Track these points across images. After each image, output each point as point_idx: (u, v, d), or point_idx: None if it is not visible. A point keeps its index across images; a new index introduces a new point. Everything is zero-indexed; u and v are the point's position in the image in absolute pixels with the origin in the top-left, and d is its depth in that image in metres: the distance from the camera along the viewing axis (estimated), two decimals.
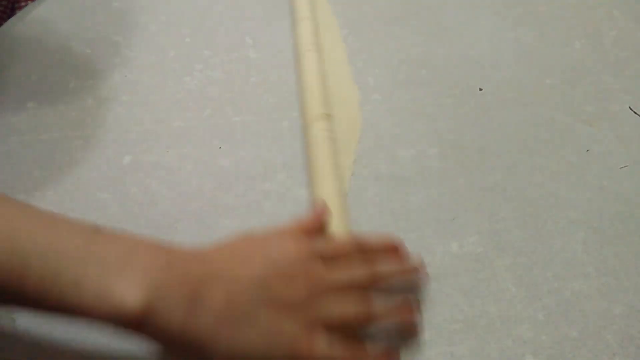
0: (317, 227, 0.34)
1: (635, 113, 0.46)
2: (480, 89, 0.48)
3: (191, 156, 0.43)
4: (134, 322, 0.24)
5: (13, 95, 0.46)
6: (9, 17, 0.53)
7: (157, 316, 0.25)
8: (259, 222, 0.39)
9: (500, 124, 0.45)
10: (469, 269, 0.37)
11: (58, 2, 0.54)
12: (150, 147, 0.43)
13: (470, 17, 0.55)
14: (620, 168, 0.43)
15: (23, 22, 0.52)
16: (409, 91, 0.48)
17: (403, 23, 0.54)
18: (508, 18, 0.55)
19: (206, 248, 0.29)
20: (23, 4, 0.55)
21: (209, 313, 0.26)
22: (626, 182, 0.42)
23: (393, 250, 0.34)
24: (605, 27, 0.54)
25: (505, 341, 0.34)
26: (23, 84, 0.47)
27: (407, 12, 0.55)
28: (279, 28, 0.52)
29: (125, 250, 0.26)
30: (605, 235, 0.39)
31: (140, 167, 0.42)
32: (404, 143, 0.44)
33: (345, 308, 0.30)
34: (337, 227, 0.35)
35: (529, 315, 0.35)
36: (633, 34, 0.53)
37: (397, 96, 0.47)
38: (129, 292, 0.24)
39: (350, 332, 0.30)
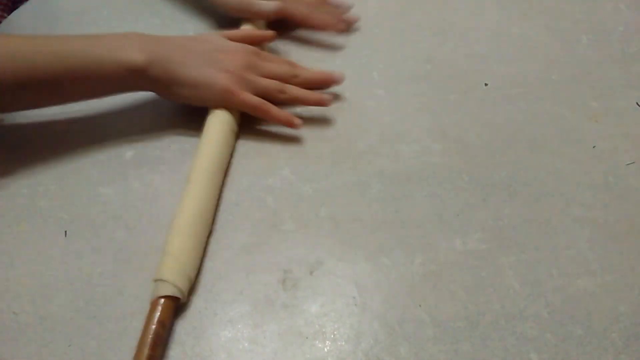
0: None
1: None
2: (486, 84, 0.47)
3: (193, 151, 0.42)
4: (139, 72, 0.40)
5: None
6: (11, 11, 0.53)
7: (154, 67, 0.40)
8: (262, 217, 0.39)
9: (505, 119, 0.45)
10: (472, 266, 0.37)
11: None
12: (152, 142, 0.43)
13: (475, 12, 0.54)
14: (627, 165, 0.42)
15: (25, 17, 0.52)
16: (414, 86, 0.47)
17: (408, 17, 0.53)
18: (514, 13, 0.54)
19: (178, 36, 0.44)
20: None
21: (178, 63, 0.41)
22: (632, 179, 0.41)
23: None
24: (612, 22, 0.53)
25: (509, 339, 0.33)
26: None
27: (412, 6, 0.55)
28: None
29: (120, 36, 0.41)
30: (611, 232, 0.38)
31: (142, 161, 0.42)
32: (407, 139, 0.44)
33: (272, 70, 0.44)
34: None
35: (533, 312, 0.35)
36: None
37: (401, 91, 0.47)
38: (135, 55, 0.40)
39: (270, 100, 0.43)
